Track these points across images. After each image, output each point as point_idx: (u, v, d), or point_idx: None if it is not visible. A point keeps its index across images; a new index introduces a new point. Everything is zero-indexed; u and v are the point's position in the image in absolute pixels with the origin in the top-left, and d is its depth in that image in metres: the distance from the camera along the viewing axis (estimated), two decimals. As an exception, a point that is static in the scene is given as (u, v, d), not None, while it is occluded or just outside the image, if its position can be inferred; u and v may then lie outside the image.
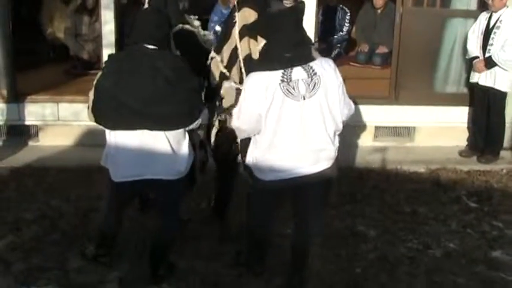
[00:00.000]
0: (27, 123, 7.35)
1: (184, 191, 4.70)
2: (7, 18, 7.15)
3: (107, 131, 4.38)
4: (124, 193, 4.59)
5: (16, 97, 7.28)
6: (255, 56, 4.52)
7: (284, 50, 4.02)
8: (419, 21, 7.39)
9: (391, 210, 6.02)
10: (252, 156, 4.30)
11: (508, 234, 5.68)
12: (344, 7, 9.36)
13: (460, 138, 7.52)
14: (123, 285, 4.69)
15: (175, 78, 4.18)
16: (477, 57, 7.03)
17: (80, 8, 8.77)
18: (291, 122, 4.04)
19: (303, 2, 4.89)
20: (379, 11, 9.10)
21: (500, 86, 6.95)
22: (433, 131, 7.63)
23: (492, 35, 6.88)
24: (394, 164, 7.10)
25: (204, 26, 6.06)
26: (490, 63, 6.90)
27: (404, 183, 6.66)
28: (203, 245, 5.24)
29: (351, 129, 7.47)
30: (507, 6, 6.87)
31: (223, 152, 5.09)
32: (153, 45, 4.26)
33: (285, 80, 3.97)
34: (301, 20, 4.24)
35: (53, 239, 5.33)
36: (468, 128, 7.53)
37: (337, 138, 4.29)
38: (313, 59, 4.08)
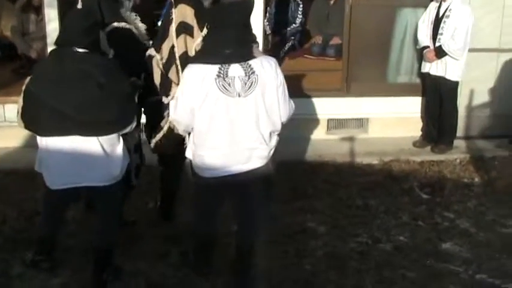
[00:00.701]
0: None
1: (121, 195, 4.56)
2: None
3: (38, 137, 4.23)
4: (60, 199, 4.48)
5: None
6: (191, 53, 4.41)
7: (224, 46, 3.94)
8: (368, 12, 7.32)
9: (342, 205, 5.96)
10: (190, 152, 4.20)
11: (459, 225, 5.65)
12: (297, -1, 9.26)
13: (414, 128, 7.48)
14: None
15: (106, 83, 4.06)
16: (427, 46, 6.99)
17: (26, 6, 8.54)
18: (223, 118, 3.96)
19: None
20: (331, 2, 9.03)
21: (451, 76, 6.91)
22: (386, 122, 7.58)
23: (442, 24, 6.84)
24: (347, 157, 7.05)
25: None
26: (440, 52, 6.86)
27: (357, 176, 6.60)
28: (149, 246, 5.13)
29: (304, 122, 7.43)
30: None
31: (167, 155, 5.00)
32: (83, 48, 4.12)
33: (221, 75, 3.89)
34: (249, 15, 4.13)
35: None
36: (422, 118, 7.47)
37: (274, 138, 4.20)
38: (253, 57, 3.98)
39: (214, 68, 3.90)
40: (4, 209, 5.69)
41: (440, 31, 6.85)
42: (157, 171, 5.40)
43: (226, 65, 3.90)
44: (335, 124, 7.62)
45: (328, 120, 7.57)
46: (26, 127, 4.22)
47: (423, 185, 6.39)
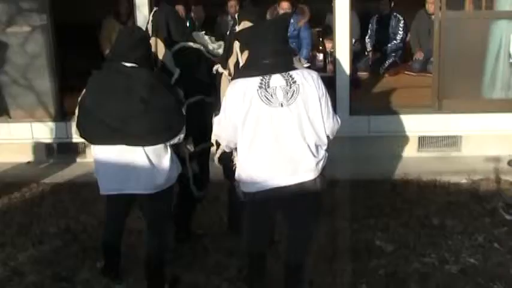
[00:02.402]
0: (74, 140, 7.60)
1: (169, 204, 4.72)
2: (51, 40, 7.50)
3: (92, 145, 4.51)
4: (114, 205, 4.72)
5: (63, 116, 7.57)
6: None
7: (263, 57, 4.01)
8: (459, 25, 7.09)
9: (417, 224, 5.78)
10: (237, 168, 4.27)
11: (539, 249, 5.31)
12: (398, 15, 9.12)
13: (510, 146, 7.10)
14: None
15: (149, 97, 4.27)
16: None
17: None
18: (267, 129, 3.97)
19: (286, 13, 4.85)
20: (433, 16, 8.76)
21: None
22: (481, 140, 7.27)
23: None
24: (434, 175, 6.80)
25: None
26: None
27: (440, 195, 6.37)
28: (211, 259, 5.26)
29: (395, 139, 7.31)
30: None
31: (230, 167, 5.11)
32: (131, 62, 4.35)
33: (263, 86, 3.94)
34: (283, 30, 4.19)
35: (70, 251, 5.51)
36: (520, 135, 7.12)
37: (321, 151, 4.14)
38: (293, 68, 4.02)
39: (255, 80, 3.96)
40: (86, 218, 6.05)
41: None
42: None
43: (268, 75, 3.95)
44: (427, 142, 7.39)
45: (419, 137, 7.36)
46: (81, 136, 4.52)
47: (509, 205, 6.05)
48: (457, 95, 7.25)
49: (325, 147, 4.15)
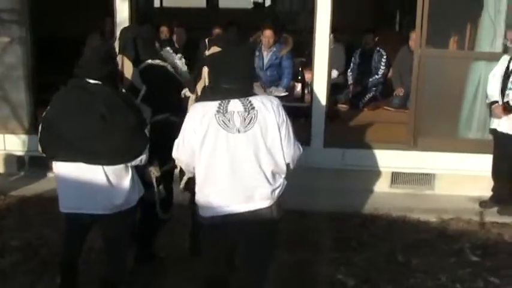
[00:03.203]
0: (46, 155, 7.50)
1: (128, 226, 4.63)
2: (29, 53, 7.45)
3: (53, 161, 4.44)
4: (72, 224, 4.62)
5: (36, 129, 7.47)
6: None
7: (223, 82, 3.99)
8: (438, 64, 7.09)
9: (382, 260, 5.72)
10: (195, 192, 4.21)
11: (502, 292, 5.26)
12: (381, 50, 9.13)
13: (484, 187, 7.04)
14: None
15: (111, 116, 4.22)
16: (496, 101, 6.63)
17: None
18: (224, 154, 3.93)
19: (252, 43, 4.87)
20: (415, 54, 8.80)
21: (521, 134, 6.52)
22: (454, 179, 7.23)
23: (511, 79, 6.49)
24: (405, 212, 6.75)
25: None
26: (508, 108, 6.50)
27: (408, 232, 6.32)
28: (170, 282, 5.19)
29: (368, 174, 7.27)
30: (530, 48, 6.47)
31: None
32: (95, 79, 4.30)
33: (221, 110, 3.91)
34: (246, 57, 4.17)
35: (29, 267, 5.42)
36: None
37: (279, 180, 4.08)
38: (253, 94, 4.00)
39: (214, 105, 3.93)
40: (49, 233, 5.95)
41: (509, 85, 6.50)
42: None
43: (226, 100, 3.92)
44: (400, 178, 7.36)
45: (392, 173, 7.32)
46: (43, 151, 4.46)
47: (476, 246, 6.01)
48: (432, 133, 7.22)
49: (283, 175, 4.11)
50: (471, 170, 7.19)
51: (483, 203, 6.95)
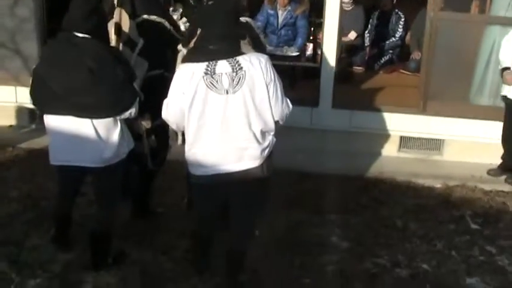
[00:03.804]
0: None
1: (118, 179, 4.65)
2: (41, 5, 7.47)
3: (44, 114, 4.46)
4: (63, 177, 4.68)
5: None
6: None
7: (209, 42, 3.98)
8: (451, 28, 6.91)
9: (379, 224, 5.68)
10: (185, 150, 4.22)
11: (497, 261, 5.18)
12: (399, 12, 8.95)
13: (494, 155, 6.92)
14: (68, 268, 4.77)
15: (98, 69, 4.21)
16: (508, 68, 6.46)
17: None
18: (213, 116, 3.95)
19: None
20: (434, 16, 8.60)
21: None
22: (464, 146, 7.11)
23: (523, 44, 6.31)
24: (410, 177, 6.68)
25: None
26: (517, 75, 6.34)
27: (410, 198, 6.25)
28: (163, 238, 5.23)
29: (376, 137, 7.20)
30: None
31: None
32: (83, 33, 4.28)
33: (209, 72, 3.89)
34: (232, 13, 4.10)
35: (27, 217, 5.50)
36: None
37: (268, 138, 4.11)
38: (240, 53, 3.96)
39: (201, 66, 3.91)
40: (50, 186, 5.95)
41: (520, 51, 6.33)
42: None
43: (213, 61, 3.90)
44: (408, 142, 7.26)
45: (400, 137, 7.23)
46: (33, 104, 4.52)
47: (477, 214, 5.93)
48: (443, 98, 7.08)
49: (272, 133, 4.13)
50: (482, 137, 7.06)
51: (491, 171, 6.84)
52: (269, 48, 7.94)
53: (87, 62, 4.19)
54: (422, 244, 5.38)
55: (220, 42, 3.94)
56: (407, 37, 9.08)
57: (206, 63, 3.90)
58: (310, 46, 7.63)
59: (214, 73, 3.88)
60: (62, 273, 4.71)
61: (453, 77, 7.09)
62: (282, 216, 5.64)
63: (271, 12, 8.35)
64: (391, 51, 8.93)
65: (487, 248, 5.38)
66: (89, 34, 4.28)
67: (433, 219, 5.81)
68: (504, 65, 6.53)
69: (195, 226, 4.65)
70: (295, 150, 6.92)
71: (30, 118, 7.76)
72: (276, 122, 4.08)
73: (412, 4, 9.07)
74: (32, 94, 4.44)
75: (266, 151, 4.08)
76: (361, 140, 7.15)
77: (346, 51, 9.03)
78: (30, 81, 4.46)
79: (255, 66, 3.92)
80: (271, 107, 3.98)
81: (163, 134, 5.19)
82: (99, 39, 4.35)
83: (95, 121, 4.31)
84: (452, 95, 7.15)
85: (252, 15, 8.02)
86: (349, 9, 9.15)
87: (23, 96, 7.56)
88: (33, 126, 7.76)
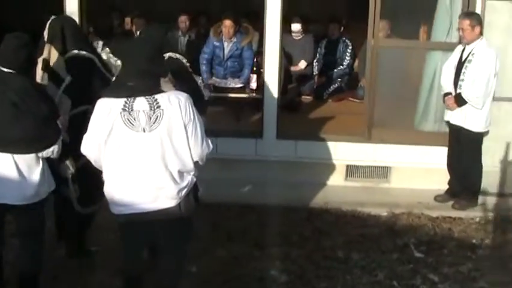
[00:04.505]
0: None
1: (41, 219, 4.51)
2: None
3: None
4: None
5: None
6: None
7: (128, 78, 3.89)
8: (393, 55, 6.91)
9: (320, 256, 5.56)
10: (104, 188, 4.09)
11: (438, 290, 5.08)
12: (347, 40, 8.93)
13: (441, 181, 6.85)
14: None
15: (22, 103, 4.14)
16: (450, 93, 6.43)
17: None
18: (129, 154, 3.83)
19: (160, 31, 4.80)
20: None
21: (470, 126, 6.31)
22: (411, 173, 7.04)
23: (463, 70, 6.28)
24: (356, 206, 6.58)
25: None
26: (460, 100, 6.30)
27: (355, 227, 6.15)
28: (96, 277, 5.08)
29: (322, 167, 7.11)
30: (481, 38, 6.25)
31: None
32: (9, 68, 4.22)
33: (127, 109, 3.79)
34: (153, 50, 3.99)
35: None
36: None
37: (187, 178, 3.98)
38: (159, 91, 3.84)
39: (120, 102, 3.80)
40: None
41: (461, 77, 6.29)
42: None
43: (132, 98, 3.80)
44: (355, 171, 7.18)
45: (347, 166, 7.15)
46: None
47: (421, 242, 5.83)
48: (388, 125, 7.03)
49: (192, 173, 4.02)
50: (429, 162, 7.01)
51: (439, 197, 6.77)
52: (214, 79, 7.94)
53: (11, 97, 4.11)
54: (363, 275, 5.26)
55: (138, 78, 3.83)
56: (356, 64, 9.03)
57: (124, 99, 3.80)
58: (254, 77, 7.54)
59: (132, 110, 3.78)
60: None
61: (397, 104, 7.08)
62: (222, 250, 5.52)
63: (217, 44, 8.26)
64: (339, 80, 8.90)
65: (430, 276, 5.28)
66: (15, 69, 4.20)
67: (377, 249, 5.71)
68: (445, 90, 6.50)
69: (123, 264, 4.48)
70: (239, 182, 6.80)
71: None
72: (196, 162, 3.98)
73: (358, 32, 9.04)
74: None
75: (184, 191, 3.96)
76: (307, 170, 7.05)
77: (296, 80, 8.99)
78: None
79: (174, 105, 3.81)
80: (189, 147, 3.89)
81: (91, 174, 5.04)
82: (24, 75, 4.26)
83: (16, 156, 4.19)
84: (397, 122, 7.13)
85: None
86: (298, 38, 9.15)
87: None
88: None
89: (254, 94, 7.59)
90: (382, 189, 7.10)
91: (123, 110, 3.77)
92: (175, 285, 4.27)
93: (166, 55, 4.99)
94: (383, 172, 7.16)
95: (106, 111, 3.82)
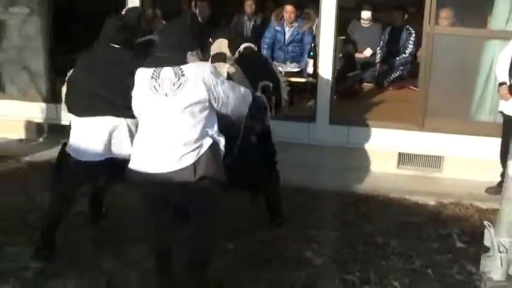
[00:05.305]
0: (63, 122, 7.73)
1: None
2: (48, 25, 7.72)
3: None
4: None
5: (54, 97, 7.72)
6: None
7: (159, 50, 4.33)
8: (449, 42, 6.80)
9: (360, 241, 5.59)
10: None
11: (474, 281, 5.02)
12: (410, 28, 8.81)
13: (495, 173, 6.72)
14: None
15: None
16: (504, 83, 6.30)
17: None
18: (152, 117, 4.20)
19: (191, 15, 5.15)
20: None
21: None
22: (464, 163, 6.95)
23: (515, 58, 6.15)
24: (404, 194, 6.56)
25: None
26: (512, 90, 6.18)
27: (399, 214, 6.13)
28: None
29: (375, 153, 7.12)
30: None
31: None
32: (117, 44, 4.96)
33: (154, 76, 4.16)
34: (182, 27, 4.45)
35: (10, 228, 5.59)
36: (501, 162, 6.74)
37: (205, 141, 4.14)
38: (185, 63, 4.17)
39: (150, 70, 4.19)
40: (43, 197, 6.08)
41: (514, 65, 6.16)
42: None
43: (160, 68, 4.15)
44: (407, 159, 7.14)
45: (399, 154, 7.12)
46: (68, 110, 5.15)
47: (465, 232, 5.76)
48: (442, 114, 6.95)
49: (209, 136, 4.18)
50: (482, 153, 6.89)
51: (490, 189, 6.65)
52: (274, 63, 8.03)
53: (128, 66, 4.66)
54: (399, 262, 5.26)
55: (168, 51, 4.21)
56: (419, 53, 8.90)
57: (154, 68, 4.17)
58: (311, 62, 7.60)
59: (159, 77, 4.14)
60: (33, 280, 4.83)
61: (452, 93, 6.97)
62: (262, 230, 5.63)
63: (278, 29, 8.39)
64: (401, 68, 8.81)
65: (468, 267, 5.21)
66: (120, 45, 5.01)
67: (418, 237, 5.68)
68: (500, 80, 6.37)
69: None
70: (291, 166, 6.86)
71: (38, 132, 7.95)
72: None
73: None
74: (68, 102, 5.15)
75: (199, 153, 4.12)
76: (358, 156, 7.09)
77: (360, 67, 8.99)
78: (64, 91, 5.17)
79: (198, 74, 4.13)
80: (213, 111, 4.22)
81: None
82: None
83: (129, 121, 4.93)
84: (452, 111, 7.02)
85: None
86: (367, 26, 9.16)
87: (31, 111, 7.80)
88: (41, 139, 7.97)
89: (311, 79, 7.63)
90: (433, 179, 7.04)
91: (152, 77, 4.16)
92: (198, 259, 4.27)
93: (242, 46, 5.58)
94: (435, 161, 7.09)
95: (139, 78, 4.24)
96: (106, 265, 5.02)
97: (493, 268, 2.09)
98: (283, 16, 8.35)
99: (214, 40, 5.69)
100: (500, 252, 2.06)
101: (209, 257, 4.39)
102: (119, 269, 4.99)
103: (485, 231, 2.13)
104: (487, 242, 2.16)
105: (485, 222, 2.14)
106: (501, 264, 2.08)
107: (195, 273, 4.28)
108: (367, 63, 9.07)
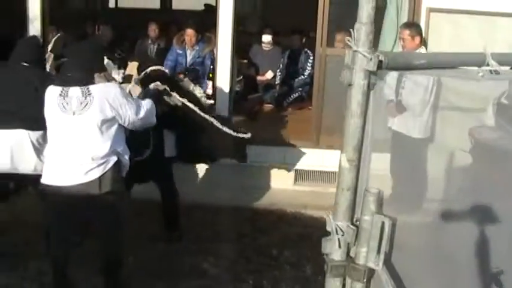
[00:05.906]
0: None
1: None
2: None
3: None
4: None
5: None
6: None
7: (68, 70, 4.58)
8: (339, 64, 7.09)
9: (255, 252, 5.79)
10: None
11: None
12: (308, 51, 9.16)
13: (388, 186, 7.05)
14: None
15: (41, 88, 4.69)
16: (392, 100, 6.65)
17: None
18: (60, 133, 4.38)
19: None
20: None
21: (412, 133, 6.52)
22: (358, 178, 7.24)
23: (403, 78, 6.50)
24: (300, 208, 6.80)
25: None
26: (400, 107, 6.53)
27: (294, 227, 6.37)
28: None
29: (273, 170, 7.34)
30: (422, 46, 6.50)
31: None
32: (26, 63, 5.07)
33: (62, 95, 4.35)
34: (86, 52, 4.70)
35: None
36: (392, 176, 7.07)
37: (109, 157, 4.35)
38: (92, 83, 4.40)
39: (58, 89, 4.38)
40: None
41: (402, 84, 6.52)
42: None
43: (68, 86, 4.36)
44: (304, 176, 7.41)
45: (296, 170, 7.38)
46: None
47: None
48: (336, 132, 7.22)
49: (116, 153, 4.40)
50: (377, 169, 7.17)
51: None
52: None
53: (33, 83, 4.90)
54: (291, 270, 5.48)
55: (76, 71, 4.44)
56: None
57: (62, 87, 4.37)
58: (210, 84, 7.80)
59: (67, 96, 4.33)
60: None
61: (342, 111, 7.24)
62: (160, 244, 5.74)
63: (180, 52, 8.59)
64: (300, 89, 9.13)
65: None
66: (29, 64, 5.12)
67: (311, 248, 5.85)
68: (388, 97, 6.70)
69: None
70: (192, 183, 7.05)
71: None
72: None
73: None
74: None
75: (104, 169, 4.32)
76: (257, 173, 7.29)
77: (262, 89, 9.28)
78: None
79: (103, 93, 4.35)
80: (117, 128, 4.41)
81: None
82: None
83: (31, 133, 4.98)
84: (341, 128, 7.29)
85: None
86: (268, 49, 9.47)
87: None
88: None
89: (211, 100, 7.81)
90: (328, 194, 7.24)
91: (60, 95, 4.35)
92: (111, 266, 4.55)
93: (150, 68, 5.86)
94: (330, 177, 7.34)
95: (48, 96, 4.41)
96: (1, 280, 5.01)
97: (333, 250, 2.32)
98: (184, 39, 8.54)
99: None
100: (337, 234, 2.31)
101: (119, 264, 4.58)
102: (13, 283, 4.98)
103: (326, 218, 2.37)
104: (328, 228, 2.40)
105: (326, 212, 2.38)
106: (339, 246, 2.33)
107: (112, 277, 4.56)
108: (268, 85, 9.36)
